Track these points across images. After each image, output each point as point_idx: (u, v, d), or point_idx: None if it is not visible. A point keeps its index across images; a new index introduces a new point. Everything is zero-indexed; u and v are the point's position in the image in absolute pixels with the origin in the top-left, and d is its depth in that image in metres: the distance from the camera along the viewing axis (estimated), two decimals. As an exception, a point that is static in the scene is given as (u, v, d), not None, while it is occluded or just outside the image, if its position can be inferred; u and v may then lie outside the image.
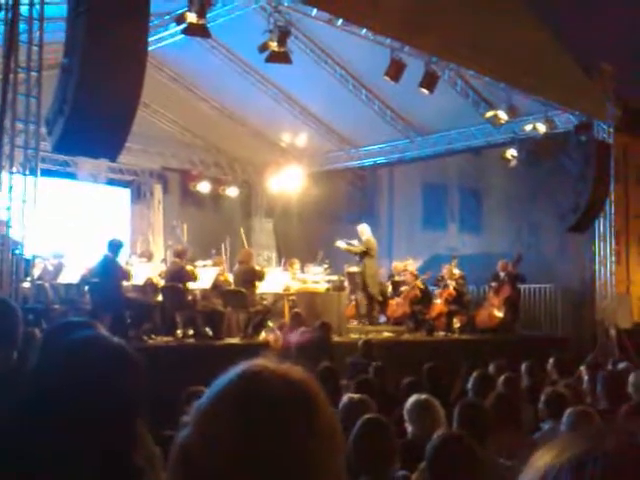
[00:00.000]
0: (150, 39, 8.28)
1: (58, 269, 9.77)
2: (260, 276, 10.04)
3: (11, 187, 7.53)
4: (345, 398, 4.69)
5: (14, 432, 1.40)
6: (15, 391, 1.84)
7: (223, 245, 11.64)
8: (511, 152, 12.92)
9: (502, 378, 5.71)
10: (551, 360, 7.08)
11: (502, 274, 12.46)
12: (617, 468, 0.53)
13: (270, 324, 9.79)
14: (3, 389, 2.10)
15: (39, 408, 1.38)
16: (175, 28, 10.36)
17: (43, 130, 7.62)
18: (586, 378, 6.44)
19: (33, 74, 7.81)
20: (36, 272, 9.36)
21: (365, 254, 11.83)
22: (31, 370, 1.58)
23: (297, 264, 11.32)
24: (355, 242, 12.04)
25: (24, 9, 7.80)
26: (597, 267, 12.89)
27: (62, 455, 1.32)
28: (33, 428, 1.36)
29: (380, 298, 12.33)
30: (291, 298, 10.41)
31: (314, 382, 1.01)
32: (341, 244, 12.11)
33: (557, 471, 0.56)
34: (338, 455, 0.98)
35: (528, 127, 12.45)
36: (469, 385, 5.50)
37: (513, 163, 12.97)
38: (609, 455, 0.55)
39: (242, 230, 11.93)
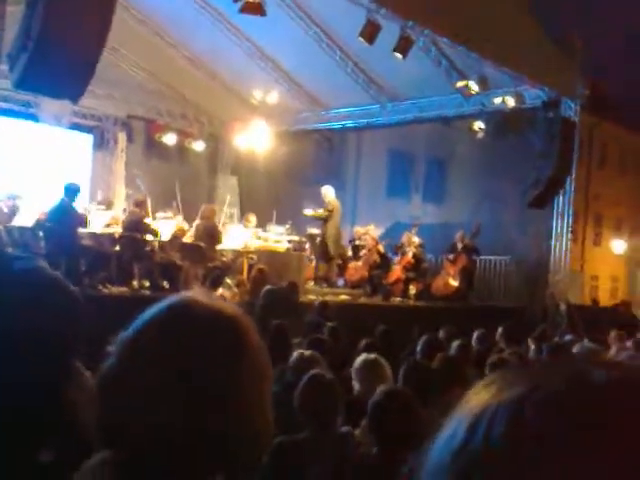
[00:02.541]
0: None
1: (13, 211, 9.56)
2: (218, 237, 9.97)
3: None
4: (296, 353, 4.75)
5: None
6: None
7: (177, 197, 11.51)
8: (479, 124, 12.99)
9: (455, 343, 5.84)
10: (500, 329, 7.24)
11: (459, 245, 12.63)
12: (562, 408, 0.48)
13: (228, 281, 9.78)
14: None
15: None
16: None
17: (4, 66, 7.39)
18: (532, 347, 6.63)
19: (-5, 7, 7.53)
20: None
21: (328, 217, 11.84)
22: None
23: (253, 218, 11.26)
24: (321, 209, 12.05)
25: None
26: (553, 243, 13.15)
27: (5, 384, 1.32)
28: None
29: (339, 261, 12.40)
30: (251, 256, 10.40)
31: (244, 316, 1.01)
32: (308, 211, 12.10)
33: (493, 412, 0.50)
34: (264, 386, 0.99)
35: (497, 100, 12.51)
36: (418, 348, 5.61)
37: (480, 135, 13.06)
38: (554, 394, 0.49)
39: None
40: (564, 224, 13.18)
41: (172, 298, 1.00)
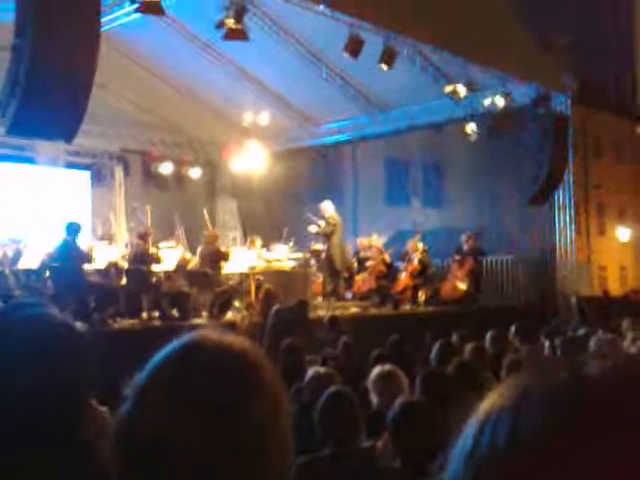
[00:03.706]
0: (104, 18, 8.11)
1: (17, 255, 9.60)
2: (225, 257, 10.01)
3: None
4: (311, 371, 4.74)
5: None
6: None
7: (178, 226, 11.55)
8: (471, 127, 13.02)
9: (469, 346, 5.82)
10: (512, 328, 7.22)
11: (465, 247, 12.63)
12: (556, 405, 0.49)
13: (236, 304, 9.79)
14: None
15: None
16: (129, 7, 10.15)
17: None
18: (547, 344, 6.60)
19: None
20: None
21: (331, 231, 11.87)
22: None
23: (258, 242, 11.29)
24: (322, 222, 12.07)
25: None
26: (557, 237, 13.14)
27: (6, 431, 1.34)
28: None
29: (346, 274, 12.40)
30: (257, 277, 10.41)
31: (256, 350, 1.01)
32: (312, 228, 12.13)
33: (497, 416, 0.50)
34: (282, 419, 0.98)
35: (487, 101, 12.56)
36: (432, 354, 5.59)
37: (473, 138, 13.09)
38: (548, 392, 0.50)
39: (205, 211, 11.84)
40: (566, 217, 13.18)
41: (181, 339, 1.01)
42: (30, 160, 13.59)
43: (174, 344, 0.98)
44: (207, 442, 0.90)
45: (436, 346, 5.81)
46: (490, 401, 0.53)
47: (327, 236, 11.93)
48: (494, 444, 0.49)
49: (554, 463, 0.47)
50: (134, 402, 0.94)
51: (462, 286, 12.37)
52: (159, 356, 0.98)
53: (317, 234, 12.18)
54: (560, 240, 13.11)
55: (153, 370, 0.96)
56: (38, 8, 6.49)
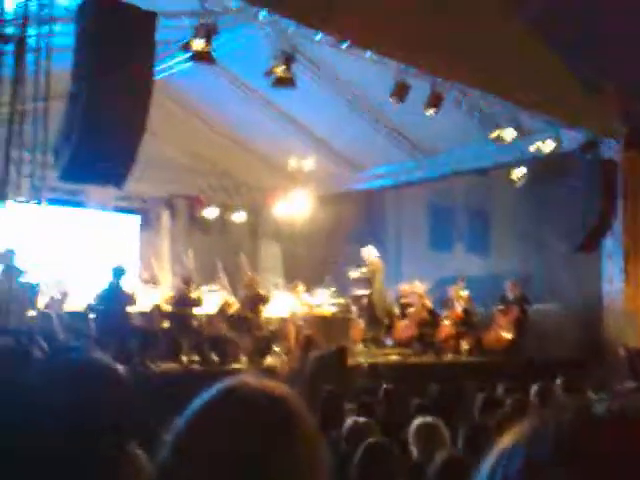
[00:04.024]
0: (157, 67, 8.40)
1: (64, 297, 9.81)
2: (265, 300, 10.05)
3: (17, 216, 7.60)
4: (349, 421, 4.68)
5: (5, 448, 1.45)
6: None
7: (221, 270, 11.63)
8: (517, 172, 12.90)
9: (509, 400, 5.67)
10: (558, 381, 7.01)
11: (510, 295, 12.39)
12: (564, 440, 0.53)
13: (276, 349, 9.77)
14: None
15: (32, 422, 1.44)
16: (182, 57, 10.50)
17: (50, 159, 7.70)
18: (594, 397, 6.37)
19: (40, 103, 7.91)
20: (43, 301, 9.40)
21: (371, 277, 11.82)
22: (28, 387, 1.62)
23: (301, 287, 11.31)
24: (364, 268, 12.04)
25: (32, 40, 7.94)
26: (605, 286, 12.80)
27: (53, 468, 1.37)
28: (29, 440, 1.41)
29: (387, 321, 12.28)
30: (297, 322, 10.40)
31: (295, 397, 1.01)
32: (353, 274, 12.10)
33: (510, 452, 0.56)
34: (320, 470, 0.98)
35: (534, 147, 12.44)
36: (475, 406, 5.46)
37: (520, 183, 12.94)
38: (558, 429, 0.54)
39: (243, 256, 11.94)
40: (615, 265, 12.85)
41: (219, 386, 1.01)
42: (81, 204, 14.01)
43: (212, 391, 0.99)
44: None
45: (479, 398, 5.68)
46: (506, 439, 0.58)
47: (368, 281, 11.88)
48: (508, 474, 0.55)
49: None
50: (172, 449, 0.95)
51: (507, 335, 12.10)
52: (197, 403, 0.98)
53: (358, 280, 12.14)
54: (608, 289, 12.77)
55: (190, 417, 0.97)
56: (94, 57, 6.75)
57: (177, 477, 0.93)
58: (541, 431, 0.55)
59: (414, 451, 4.48)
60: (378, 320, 11.94)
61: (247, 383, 0.99)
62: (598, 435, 0.53)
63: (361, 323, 12.20)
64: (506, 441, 0.58)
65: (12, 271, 7.49)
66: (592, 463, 0.51)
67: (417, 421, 4.57)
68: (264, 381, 1.01)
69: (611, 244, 12.86)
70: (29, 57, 7.94)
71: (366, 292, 12.03)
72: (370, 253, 12.06)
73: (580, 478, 0.51)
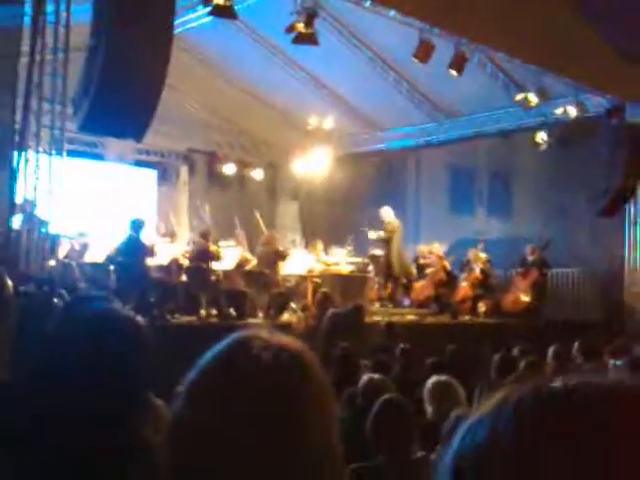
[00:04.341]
0: (177, 21, 8.27)
1: (84, 248, 9.91)
2: (283, 257, 10.08)
3: (37, 166, 7.62)
4: (365, 377, 4.69)
5: (27, 393, 1.50)
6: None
7: (239, 226, 11.64)
8: (541, 136, 12.70)
9: (524, 362, 5.65)
10: (576, 344, 6.97)
11: (530, 258, 12.31)
12: (520, 417, 0.58)
13: (293, 305, 9.82)
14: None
15: (54, 372, 1.48)
16: (202, 10, 10.33)
17: (70, 110, 7.68)
18: (611, 362, 6.35)
19: (60, 55, 7.86)
20: (62, 251, 9.49)
21: (389, 237, 11.78)
22: (49, 336, 1.64)
23: (320, 246, 11.31)
24: (382, 232, 12.04)
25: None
26: (626, 251, 12.68)
27: (74, 418, 1.39)
28: (46, 389, 1.45)
29: (405, 280, 12.28)
30: (314, 280, 10.42)
31: (306, 352, 1.01)
32: (372, 235, 12.09)
33: (478, 420, 0.61)
34: (330, 422, 0.99)
35: (559, 110, 12.22)
36: (491, 367, 5.46)
37: (543, 147, 12.77)
38: (518, 404, 0.59)
39: (258, 214, 11.92)
40: (637, 231, 12.71)
41: (232, 337, 1.01)
42: (99, 157, 14.02)
43: (222, 343, 1.00)
44: (253, 440, 0.90)
45: (495, 359, 5.67)
46: (478, 409, 0.63)
47: (386, 242, 11.85)
48: (474, 441, 0.60)
49: (519, 457, 0.57)
50: (184, 400, 0.97)
51: (525, 298, 12.04)
52: (208, 355, 0.99)
53: (376, 240, 12.12)
54: (630, 254, 12.65)
55: (201, 368, 0.98)
56: (114, 10, 6.66)
57: (187, 425, 0.94)
58: (504, 404, 0.60)
59: (429, 410, 4.49)
60: (395, 280, 11.95)
61: (255, 336, 0.99)
62: (548, 413, 0.58)
63: (378, 282, 12.21)
64: (480, 410, 0.62)
65: (33, 221, 7.54)
66: (541, 441, 0.56)
67: (433, 379, 4.58)
68: (276, 335, 1.01)
69: (634, 210, 12.68)
70: (48, 7, 7.86)
71: (383, 252, 12.01)
72: (388, 214, 12.00)
73: (530, 454, 0.56)
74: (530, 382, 0.62)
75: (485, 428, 0.60)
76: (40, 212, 7.68)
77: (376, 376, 4.70)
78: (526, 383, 0.62)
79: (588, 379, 0.61)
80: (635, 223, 12.68)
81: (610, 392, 0.60)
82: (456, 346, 6.76)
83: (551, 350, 6.63)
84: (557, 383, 0.60)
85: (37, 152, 7.65)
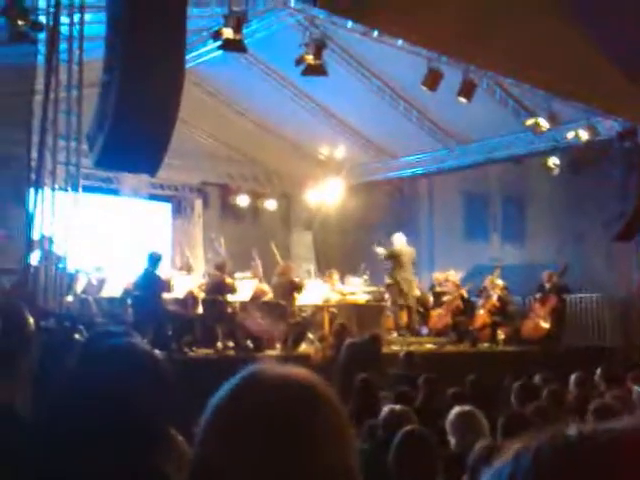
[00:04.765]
0: (188, 56, 8.39)
1: (101, 283, 9.94)
2: (299, 288, 10.05)
3: (54, 203, 7.68)
4: (386, 409, 4.62)
5: (48, 429, 1.51)
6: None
7: (255, 258, 11.63)
8: (553, 160, 12.67)
9: (545, 391, 5.56)
10: (598, 371, 6.87)
11: (547, 285, 12.20)
12: (542, 466, 0.60)
13: (310, 336, 9.76)
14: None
15: (75, 407, 1.47)
16: (212, 45, 10.48)
17: (84, 147, 7.76)
18: (635, 388, 6.23)
19: (74, 92, 7.97)
20: (80, 286, 9.53)
21: (395, 265, 11.78)
22: (70, 372, 1.64)
23: (336, 275, 11.29)
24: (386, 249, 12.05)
25: (64, 29, 7.99)
26: (643, 275, 12.55)
27: (93, 453, 1.39)
28: (67, 425, 1.45)
29: (420, 309, 12.19)
30: (331, 310, 10.37)
31: (318, 382, 1.00)
32: (380, 250, 12.06)
33: (500, 468, 0.63)
34: (348, 453, 0.97)
35: (570, 134, 12.21)
36: (512, 396, 5.37)
37: (555, 171, 12.73)
38: (537, 453, 0.61)
39: (274, 244, 11.92)
40: (653, 256, 12.58)
41: (241, 373, 1.00)
42: (115, 192, 14.15)
43: (232, 380, 0.99)
44: (272, 476, 0.90)
45: (516, 387, 5.58)
46: (506, 453, 0.65)
47: (392, 270, 11.88)
48: None
49: None
50: (201, 440, 0.97)
51: (545, 325, 11.89)
52: (220, 392, 0.99)
53: (384, 258, 12.10)
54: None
55: (214, 407, 0.98)
56: (126, 45, 6.76)
57: (209, 467, 0.94)
58: (522, 454, 0.62)
59: (452, 441, 4.41)
60: (409, 308, 11.87)
61: (268, 370, 0.99)
62: (567, 462, 0.59)
63: (394, 311, 12.12)
64: (504, 456, 0.64)
65: (51, 257, 7.58)
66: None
67: (455, 410, 4.50)
68: (287, 367, 1.01)
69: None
70: (61, 46, 8.00)
71: (391, 281, 11.98)
72: (396, 240, 12.03)
73: None
74: (547, 431, 0.63)
75: (504, 478, 0.62)
76: (57, 248, 7.73)
77: (397, 407, 4.64)
78: (543, 432, 0.64)
79: (604, 425, 0.62)
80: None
81: (626, 438, 0.60)
82: (477, 375, 6.66)
83: (573, 377, 6.53)
84: (573, 431, 0.61)
85: (53, 189, 7.72)
